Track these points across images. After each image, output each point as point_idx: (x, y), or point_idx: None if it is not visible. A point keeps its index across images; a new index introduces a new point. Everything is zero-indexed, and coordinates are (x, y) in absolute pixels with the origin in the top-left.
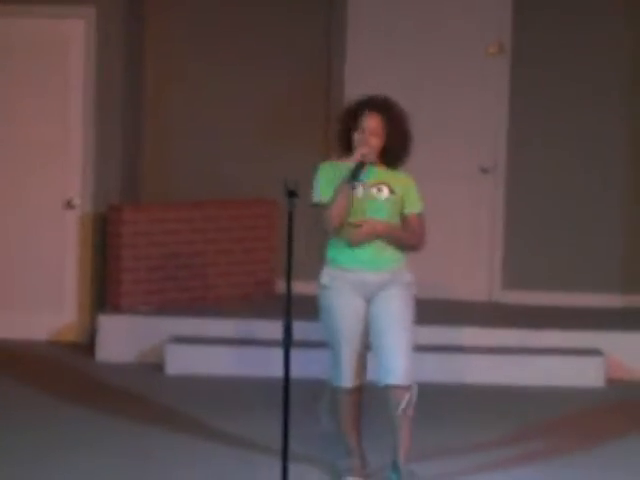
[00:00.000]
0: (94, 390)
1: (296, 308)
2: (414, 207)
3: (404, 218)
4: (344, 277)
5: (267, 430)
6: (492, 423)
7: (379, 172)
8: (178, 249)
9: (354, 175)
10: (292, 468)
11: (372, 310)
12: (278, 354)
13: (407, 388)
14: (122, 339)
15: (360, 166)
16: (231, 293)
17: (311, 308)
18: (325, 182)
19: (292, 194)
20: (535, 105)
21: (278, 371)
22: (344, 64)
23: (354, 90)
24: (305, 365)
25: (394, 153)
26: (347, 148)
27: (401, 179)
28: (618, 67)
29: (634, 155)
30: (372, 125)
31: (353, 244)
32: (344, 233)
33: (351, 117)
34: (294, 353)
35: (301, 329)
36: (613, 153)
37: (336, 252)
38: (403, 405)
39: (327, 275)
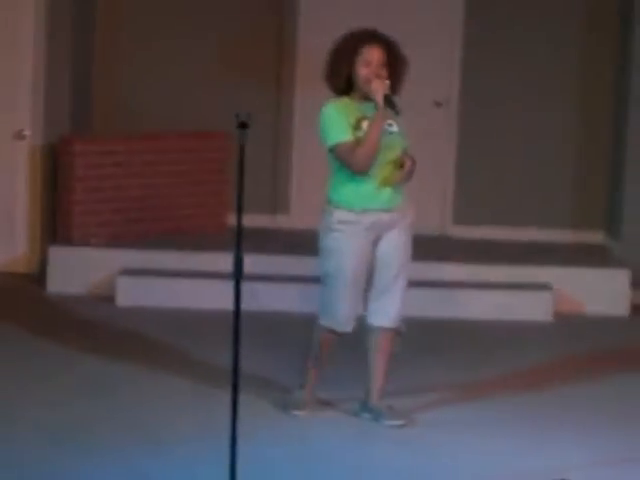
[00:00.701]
0: (44, 321)
1: (247, 241)
2: (406, 139)
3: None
4: (358, 219)
5: (219, 362)
6: (443, 357)
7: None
8: (129, 182)
9: (392, 106)
10: (243, 399)
11: (379, 251)
12: (229, 287)
13: (396, 330)
14: (73, 271)
15: (391, 97)
16: (183, 226)
17: (262, 241)
18: (343, 121)
19: (243, 125)
20: (488, 39)
21: (229, 303)
22: (297, 3)
23: (307, 29)
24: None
25: (395, 86)
26: (344, 83)
27: (398, 117)
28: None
29: (585, 90)
30: (380, 57)
31: (390, 184)
32: (377, 172)
33: (350, 51)
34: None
35: (251, 262)
36: (565, 87)
37: (351, 193)
38: (394, 346)
39: (338, 217)
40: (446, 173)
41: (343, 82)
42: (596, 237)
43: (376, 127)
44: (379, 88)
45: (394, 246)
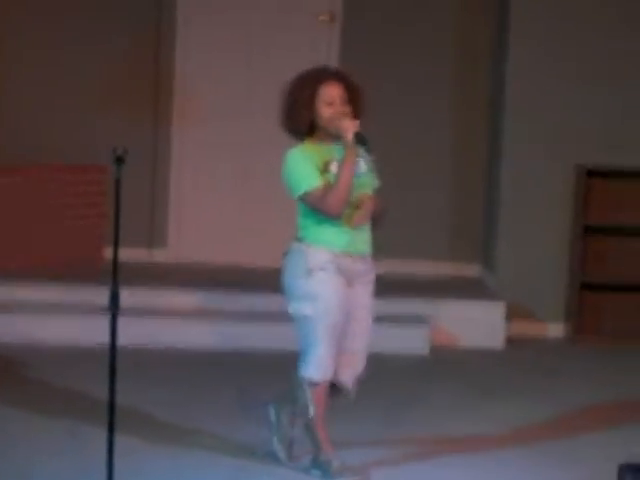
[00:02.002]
0: None
1: (123, 275)
2: (376, 181)
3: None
4: (335, 262)
5: (97, 397)
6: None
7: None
8: (4, 214)
9: (364, 143)
10: (120, 438)
11: (352, 303)
12: (104, 321)
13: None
14: None
15: (362, 135)
16: (58, 260)
17: (139, 275)
18: (310, 166)
19: (119, 160)
20: (364, 73)
21: (101, 337)
22: (174, 37)
23: (184, 60)
24: (132, 331)
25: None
26: (304, 122)
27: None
28: (441, 38)
29: (458, 127)
30: (341, 95)
31: (354, 225)
32: (348, 214)
33: (309, 92)
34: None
35: (128, 296)
36: (441, 126)
37: (328, 233)
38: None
39: (317, 258)
40: None
41: (305, 126)
42: (472, 270)
43: (348, 168)
44: (349, 127)
45: (364, 300)
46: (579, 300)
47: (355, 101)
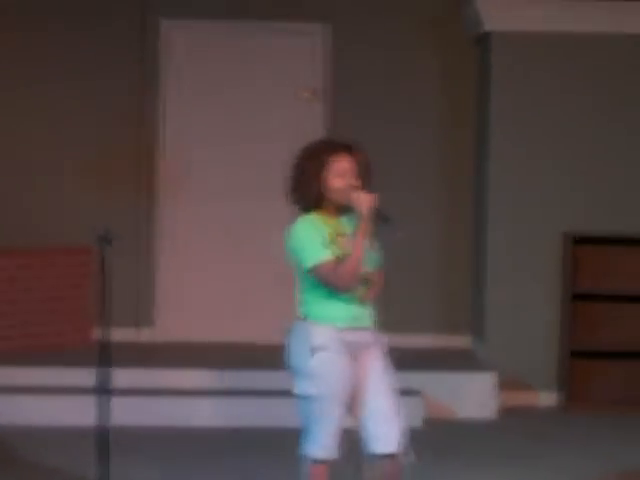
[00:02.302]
0: None
1: (112, 355)
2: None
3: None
4: (340, 338)
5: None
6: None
7: (350, 222)
8: None
9: (386, 219)
10: None
11: (357, 373)
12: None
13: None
14: None
15: (381, 210)
16: (44, 342)
17: (129, 355)
18: (319, 239)
19: (104, 240)
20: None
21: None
22: (160, 116)
23: (170, 141)
24: (124, 411)
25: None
26: (313, 194)
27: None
28: (426, 108)
29: (447, 201)
30: (352, 167)
31: (362, 301)
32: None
33: (319, 163)
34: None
35: (117, 376)
36: (427, 196)
37: (332, 309)
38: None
39: (320, 336)
40: None
41: (314, 197)
42: (462, 341)
43: (361, 241)
44: (364, 200)
45: (380, 368)
46: (570, 368)
47: (365, 175)
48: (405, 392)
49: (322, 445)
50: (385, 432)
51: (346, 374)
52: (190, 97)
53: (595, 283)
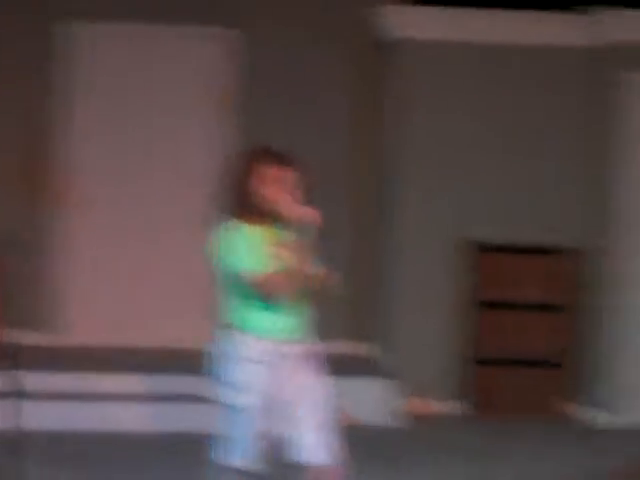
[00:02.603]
0: None
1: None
2: None
3: None
4: (266, 348)
5: None
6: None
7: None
8: None
9: (309, 234)
10: None
11: (282, 382)
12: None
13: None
14: None
15: (310, 226)
16: None
17: (38, 358)
18: (250, 246)
19: (12, 246)
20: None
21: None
22: (60, 120)
23: (74, 145)
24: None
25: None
26: (247, 203)
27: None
28: (334, 118)
29: (354, 209)
30: (287, 178)
31: (295, 311)
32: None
33: (256, 173)
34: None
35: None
36: (334, 203)
37: (254, 318)
38: None
39: (246, 345)
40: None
41: (247, 205)
42: (369, 349)
43: (292, 253)
44: (310, 216)
45: (310, 379)
46: (475, 376)
47: (301, 187)
48: None
49: (244, 455)
50: (311, 442)
51: (272, 385)
52: (97, 102)
53: (500, 291)
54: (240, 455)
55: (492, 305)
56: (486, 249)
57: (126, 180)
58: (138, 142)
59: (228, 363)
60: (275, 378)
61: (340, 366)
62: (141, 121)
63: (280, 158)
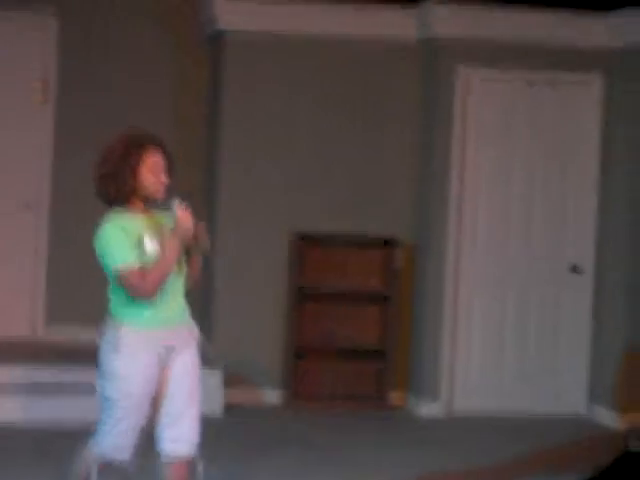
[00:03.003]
0: None
1: None
2: None
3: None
4: (144, 338)
5: None
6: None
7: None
8: None
9: (197, 248)
10: None
11: (171, 374)
12: None
13: (192, 461)
14: None
15: (202, 241)
16: None
17: None
18: (127, 241)
19: None
20: (78, 145)
21: None
22: None
23: None
24: None
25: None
26: (128, 190)
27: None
28: (159, 107)
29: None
30: (161, 163)
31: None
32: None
33: (134, 155)
34: None
35: None
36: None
37: (138, 310)
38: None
39: (123, 337)
40: (37, 275)
41: (128, 193)
42: None
43: (170, 257)
44: (186, 222)
45: (186, 369)
46: (294, 366)
47: (171, 170)
48: None
49: (115, 445)
50: (176, 434)
51: (150, 376)
52: None
53: (321, 282)
54: (111, 445)
55: (314, 296)
56: (308, 239)
57: None
58: None
59: (108, 355)
60: (153, 369)
61: None
62: None
63: (155, 142)
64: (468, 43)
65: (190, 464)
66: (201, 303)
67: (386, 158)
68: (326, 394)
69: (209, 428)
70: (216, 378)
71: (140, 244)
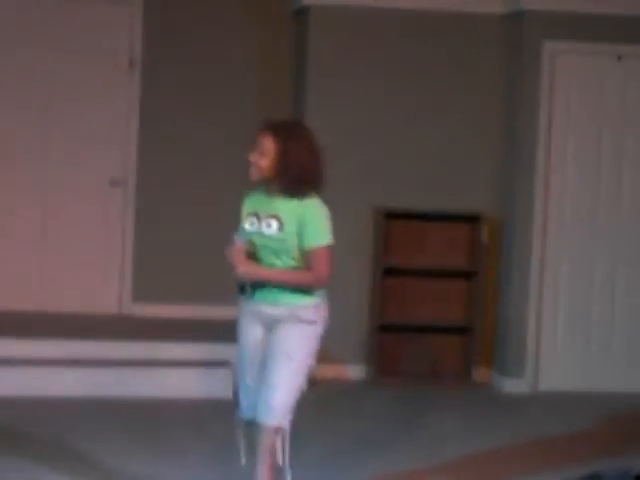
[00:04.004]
0: None
1: None
2: (312, 240)
3: (304, 253)
4: (247, 307)
5: None
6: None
7: (274, 202)
8: None
9: (243, 292)
10: None
11: (267, 343)
12: None
13: (275, 429)
14: None
15: (243, 287)
16: None
17: None
18: (243, 216)
19: None
20: (165, 119)
21: None
22: None
23: None
24: None
25: (291, 180)
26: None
27: (298, 210)
28: (244, 81)
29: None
30: (264, 145)
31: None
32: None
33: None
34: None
35: None
36: (237, 167)
37: (249, 286)
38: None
39: (240, 308)
40: (124, 252)
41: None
42: None
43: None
44: (238, 269)
45: (277, 338)
46: (379, 342)
47: (289, 155)
48: (215, 363)
49: (238, 404)
50: (261, 401)
51: (250, 340)
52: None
53: (405, 259)
54: (236, 404)
55: (398, 272)
56: (395, 216)
57: (29, 138)
58: (44, 104)
59: (238, 325)
60: (258, 335)
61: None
62: (46, 86)
63: (271, 127)
64: (554, 16)
65: (277, 431)
66: None
67: (471, 133)
68: (410, 370)
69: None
70: None
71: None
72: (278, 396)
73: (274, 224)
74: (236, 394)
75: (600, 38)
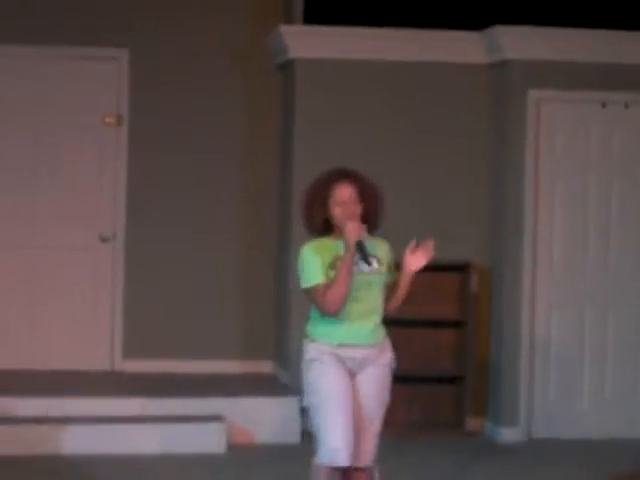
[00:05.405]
0: None
1: None
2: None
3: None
4: (333, 352)
5: None
6: None
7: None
8: None
9: (363, 252)
10: None
11: (357, 389)
12: None
13: (371, 471)
14: None
15: (363, 243)
16: None
17: None
18: (317, 263)
19: None
20: (153, 174)
21: None
22: None
23: None
24: None
25: (373, 220)
26: (322, 224)
27: (382, 246)
28: (231, 137)
29: (250, 227)
30: (351, 194)
31: (353, 319)
32: (352, 308)
33: (322, 192)
34: None
35: None
36: (229, 221)
37: (328, 328)
38: None
39: (314, 350)
40: (114, 308)
41: (320, 224)
42: (265, 367)
43: (345, 268)
44: (353, 232)
45: (368, 383)
46: None
47: (369, 200)
48: (207, 418)
49: (327, 451)
50: (358, 447)
51: (342, 379)
52: None
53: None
54: (324, 451)
55: (390, 321)
56: None
57: (17, 197)
58: (32, 160)
59: (303, 369)
60: (344, 377)
61: (238, 385)
62: (33, 142)
63: (345, 175)
64: (538, 65)
65: (367, 475)
66: (275, 331)
67: (458, 182)
68: (402, 420)
69: (286, 456)
70: (293, 406)
71: (330, 267)
72: (375, 443)
73: (374, 262)
74: (323, 438)
75: (584, 86)
